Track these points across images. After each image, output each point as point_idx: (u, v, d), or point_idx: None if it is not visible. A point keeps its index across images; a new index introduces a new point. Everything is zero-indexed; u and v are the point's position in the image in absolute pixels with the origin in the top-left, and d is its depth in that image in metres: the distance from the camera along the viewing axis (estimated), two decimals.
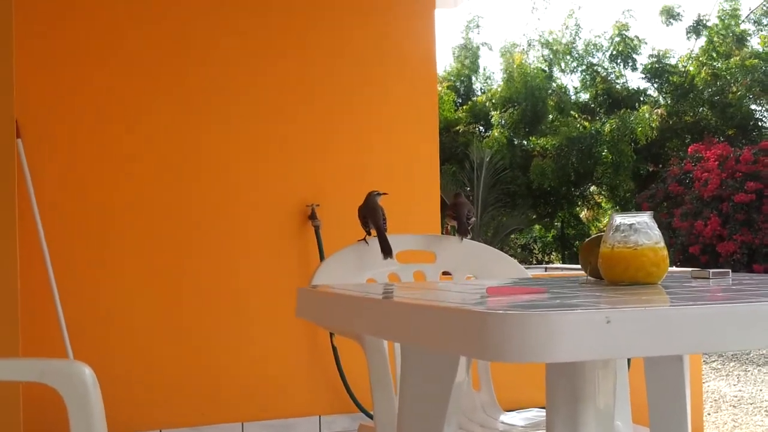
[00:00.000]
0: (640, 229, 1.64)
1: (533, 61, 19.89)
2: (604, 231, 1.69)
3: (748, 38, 18.74)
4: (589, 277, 1.87)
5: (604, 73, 19.42)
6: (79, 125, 4.17)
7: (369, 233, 2.54)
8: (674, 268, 2.12)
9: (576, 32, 19.84)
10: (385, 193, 2.71)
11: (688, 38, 19.33)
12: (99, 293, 4.15)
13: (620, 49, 19.28)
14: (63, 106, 4.15)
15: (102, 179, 4.19)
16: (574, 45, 19.75)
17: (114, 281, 4.18)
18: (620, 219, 1.66)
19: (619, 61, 19.40)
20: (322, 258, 4.41)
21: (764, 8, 18.64)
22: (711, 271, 1.81)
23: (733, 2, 18.75)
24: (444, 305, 1.33)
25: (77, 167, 4.15)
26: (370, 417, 4.31)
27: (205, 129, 4.38)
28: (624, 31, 19.38)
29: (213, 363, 4.31)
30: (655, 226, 1.66)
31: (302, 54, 4.58)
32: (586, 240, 1.90)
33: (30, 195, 3.92)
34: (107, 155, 4.20)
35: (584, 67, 19.62)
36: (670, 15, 19.61)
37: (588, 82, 19.51)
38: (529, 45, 20.28)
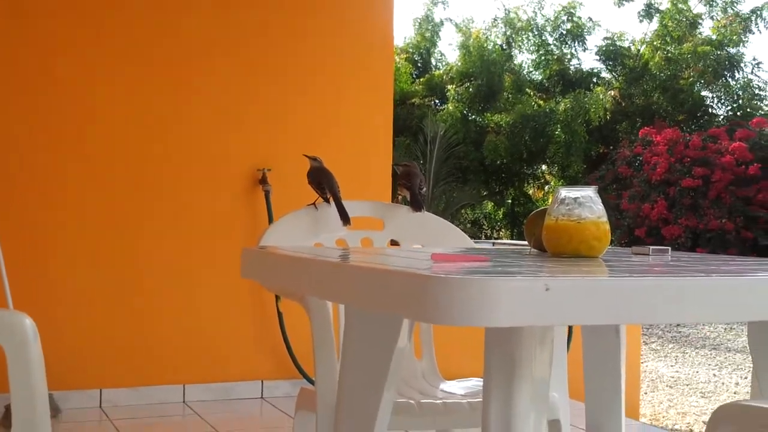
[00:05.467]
0: (584, 203, 1.66)
1: (493, 36, 19.91)
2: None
3: (700, 24, 18.95)
4: (532, 249, 1.89)
5: (558, 53, 19.51)
6: (32, 86, 4.11)
7: (326, 199, 2.53)
8: (617, 247, 2.16)
9: (538, 10, 19.89)
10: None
11: (640, 21, 19.49)
12: (42, 247, 4.11)
13: (569, 28, 19.37)
14: (17, 61, 4.08)
15: (50, 135, 4.14)
16: (534, 22, 19.80)
17: (57, 236, 4.14)
18: (565, 192, 1.68)
19: (569, 41, 19.49)
20: (271, 222, 4.41)
21: None
22: (651, 248, 1.85)
23: None
24: (388, 268, 1.35)
25: (26, 123, 4.09)
26: (312, 383, 4.32)
27: (159, 92, 4.34)
28: (572, 10, 19.45)
29: (156, 324, 4.29)
30: (599, 200, 1.69)
31: (257, 20, 4.54)
32: (532, 213, 1.92)
33: None
34: (56, 111, 4.15)
35: (539, 45, 19.69)
36: None
37: (543, 61, 19.60)
38: (493, 22, 20.29)
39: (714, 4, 18.85)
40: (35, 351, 1.71)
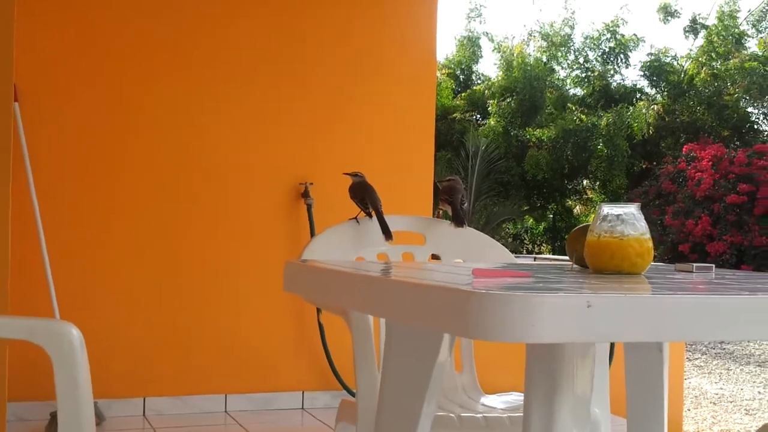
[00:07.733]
0: (627, 220, 1.66)
1: (533, 51, 19.88)
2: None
3: (747, 40, 18.77)
4: (574, 266, 1.89)
5: (601, 69, 19.42)
6: (77, 91, 4.17)
7: (369, 214, 2.54)
8: (660, 264, 2.15)
9: (573, 26, 19.84)
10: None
11: (686, 37, 19.37)
12: (88, 257, 4.16)
13: (612, 46, 19.29)
14: (62, 70, 4.15)
15: (96, 144, 4.20)
16: (572, 37, 19.75)
17: (104, 247, 4.19)
18: (608, 209, 1.68)
19: (611, 58, 19.40)
20: (312, 236, 4.43)
21: (762, 10, 18.63)
22: (695, 264, 1.83)
23: (732, 3, 18.76)
24: (429, 283, 1.35)
25: (72, 132, 4.16)
26: (353, 395, 4.34)
27: (203, 102, 4.39)
28: (615, 28, 19.39)
29: (199, 334, 4.33)
30: (642, 217, 1.68)
31: (302, 35, 4.58)
32: (574, 229, 1.92)
33: (24, 156, 3.93)
34: (103, 122, 4.21)
35: (581, 61, 19.62)
36: (668, 13, 19.64)
37: (584, 77, 19.52)
38: (530, 36, 20.27)
39: (760, 19, 18.67)
40: (82, 360, 1.72)
